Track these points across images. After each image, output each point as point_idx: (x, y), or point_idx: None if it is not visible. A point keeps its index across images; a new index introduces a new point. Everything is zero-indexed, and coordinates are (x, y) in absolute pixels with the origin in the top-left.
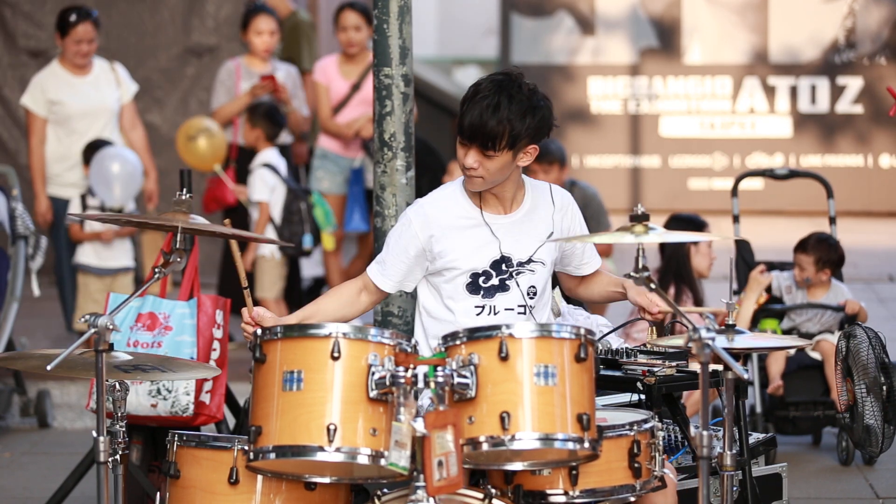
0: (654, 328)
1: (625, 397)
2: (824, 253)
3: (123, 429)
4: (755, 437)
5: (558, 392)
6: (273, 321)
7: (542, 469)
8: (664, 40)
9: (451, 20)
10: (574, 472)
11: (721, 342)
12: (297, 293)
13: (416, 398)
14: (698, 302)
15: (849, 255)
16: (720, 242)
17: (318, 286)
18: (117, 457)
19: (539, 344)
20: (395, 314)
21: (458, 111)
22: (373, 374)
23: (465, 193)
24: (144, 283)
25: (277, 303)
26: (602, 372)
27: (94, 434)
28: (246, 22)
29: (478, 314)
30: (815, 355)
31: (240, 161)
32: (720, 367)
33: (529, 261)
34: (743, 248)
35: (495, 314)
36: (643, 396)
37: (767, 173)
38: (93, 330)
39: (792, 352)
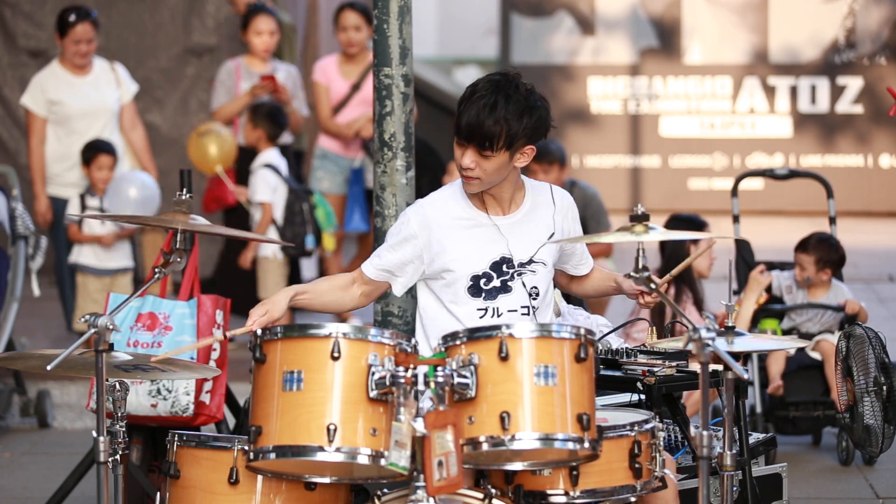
0: (654, 328)
1: (625, 397)
2: (825, 253)
3: (123, 429)
4: (755, 437)
5: (558, 392)
6: (281, 302)
7: (543, 469)
8: (664, 40)
9: (451, 20)
10: (574, 472)
11: (721, 345)
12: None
13: (417, 398)
14: (698, 302)
15: (849, 255)
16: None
17: None
18: (117, 457)
19: (539, 344)
20: (395, 314)
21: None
22: (373, 374)
23: (465, 194)
24: (144, 283)
25: None
26: (602, 372)
27: (94, 434)
28: (246, 22)
29: (481, 317)
30: (815, 355)
31: (240, 161)
32: (720, 367)
33: (531, 261)
34: (743, 248)
35: (498, 316)
36: (643, 396)
37: (767, 173)
38: (93, 330)
39: (792, 352)
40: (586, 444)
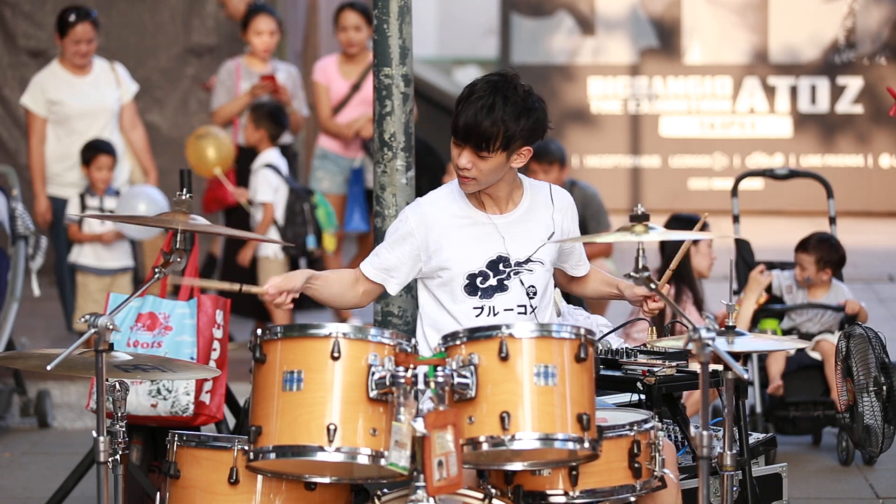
0: (654, 328)
1: (625, 397)
2: (826, 253)
3: (123, 429)
4: (755, 437)
5: (558, 392)
6: (299, 278)
7: (542, 469)
8: (664, 40)
9: (451, 20)
10: (574, 472)
11: (721, 345)
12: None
13: (417, 398)
14: (698, 302)
15: (849, 255)
16: (720, 242)
17: None
18: (117, 457)
19: (539, 344)
20: (395, 314)
21: None
22: (373, 374)
23: (462, 193)
24: (144, 283)
25: None
26: (602, 372)
27: (94, 434)
28: (246, 22)
29: (477, 315)
30: (815, 355)
31: (240, 161)
32: (720, 367)
33: (528, 260)
34: (743, 248)
35: (494, 315)
36: (643, 396)
37: (767, 173)
38: (93, 330)
39: (792, 352)
40: (586, 444)
